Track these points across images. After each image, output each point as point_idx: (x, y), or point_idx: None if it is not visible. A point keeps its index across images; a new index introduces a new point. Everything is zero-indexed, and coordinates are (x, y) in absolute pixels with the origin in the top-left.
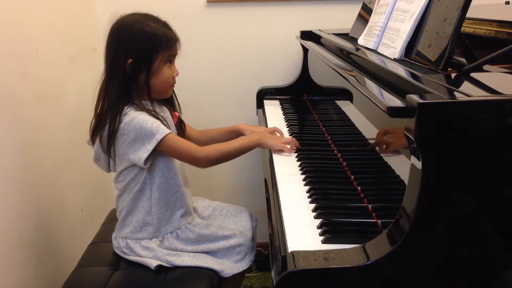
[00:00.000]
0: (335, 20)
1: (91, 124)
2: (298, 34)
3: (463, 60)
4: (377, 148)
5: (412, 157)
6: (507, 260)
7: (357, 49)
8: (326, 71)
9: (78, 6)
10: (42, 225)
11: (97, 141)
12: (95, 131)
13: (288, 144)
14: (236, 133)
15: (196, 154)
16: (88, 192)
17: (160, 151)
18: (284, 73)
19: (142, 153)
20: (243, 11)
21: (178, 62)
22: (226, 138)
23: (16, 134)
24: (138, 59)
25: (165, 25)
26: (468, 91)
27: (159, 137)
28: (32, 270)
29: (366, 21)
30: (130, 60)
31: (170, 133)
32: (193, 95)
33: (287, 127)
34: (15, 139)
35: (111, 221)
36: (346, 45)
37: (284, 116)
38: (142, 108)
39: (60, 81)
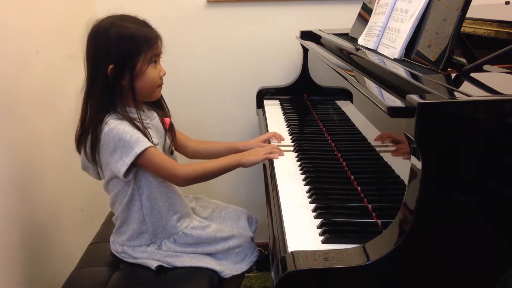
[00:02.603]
0: (335, 20)
1: (76, 133)
2: (298, 34)
3: (463, 60)
4: (376, 148)
5: (412, 157)
6: (508, 260)
7: (357, 49)
8: (326, 71)
9: (78, 6)
10: (42, 225)
11: (82, 151)
12: (80, 140)
13: (270, 153)
14: (234, 150)
15: (176, 172)
16: (88, 192)
17: (139, 166)
18: (284, 73)
19: (120, 167)
20: (243, 11)
21: (178, 62)
22: (224, 152)
23: (16, 134)
24: (119, 63)
25: (144, 24)
26: (468, 91)
27: (138, 150)
28: (32, 270)
29: (366, 21)
30: (111, 66)
31: (150, 146)
32: (193, 95)
33: (287, 127)
34: (15, 139)
35: (111, 221)
36: (346, 45)
37: (284, 116)
38: (124, 117)
39: (60, 81)
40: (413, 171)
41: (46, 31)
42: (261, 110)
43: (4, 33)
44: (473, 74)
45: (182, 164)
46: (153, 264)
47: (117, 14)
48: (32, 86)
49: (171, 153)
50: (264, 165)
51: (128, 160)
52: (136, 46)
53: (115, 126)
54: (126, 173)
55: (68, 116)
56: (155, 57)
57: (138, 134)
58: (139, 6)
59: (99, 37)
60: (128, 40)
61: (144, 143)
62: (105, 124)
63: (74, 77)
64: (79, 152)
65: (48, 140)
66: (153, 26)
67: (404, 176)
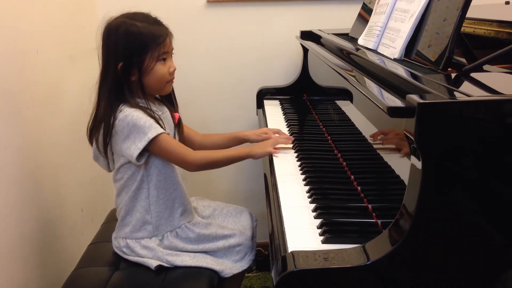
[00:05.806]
0: (335, 20)
1: (88, 125)
2: (298, 34)
3: (463, 60)
4: (375, 146)
5: (412, 157)
6: (507, 260)
7: (357, 49)
8: (326, 71)
9: (78, 6)
10: (42, 225)
11: (94, 141)
12: (92, 132)
13: (277, 143)
14: (239, 140)
15: (187, 158)
16: (88, 192)
17: (151, 151)
18: (284, 73)
19: (133, 151)
20: (243, 11)
21: (179, 62)
22: (228, 144)
23: (16, 134)
24: (127, 60)
25: (154, 22)
26: (468, 91)
27: (150, 135)
28: (32, 270)
29: (366, 21)
30: (121, 63)
31: (163, 133)
32: (193, 95)
33: (287, 127)
34: (15, 139)
35: (111, 221)
36: (346, 45)
37: (284, 116)
38: (136, 106)
39: (60, 81)
40: (413, 171)
41: (46, 31)
42: (261, 110)
43: (4, 33)
44: (473, 74)
45: (194, 151)
46: (153, 264)
47: (130, 12)
48: (32, 86)
49: None
50: (263, 165)
51: (141, 145)
52: (142, 44)
53: (129, 113)
54: (139, 158)
55: (68, 116)
56: (163, 55)
57: (151, 120)
58: (139, 6)
59: (110, 35)
60: (136, 38)
61: (157, 129)
62: (120, 112)
63: (74, 77)
64: (91, 143)
65: (48, 140)
66: (163, 24)
67: (404, 176)
